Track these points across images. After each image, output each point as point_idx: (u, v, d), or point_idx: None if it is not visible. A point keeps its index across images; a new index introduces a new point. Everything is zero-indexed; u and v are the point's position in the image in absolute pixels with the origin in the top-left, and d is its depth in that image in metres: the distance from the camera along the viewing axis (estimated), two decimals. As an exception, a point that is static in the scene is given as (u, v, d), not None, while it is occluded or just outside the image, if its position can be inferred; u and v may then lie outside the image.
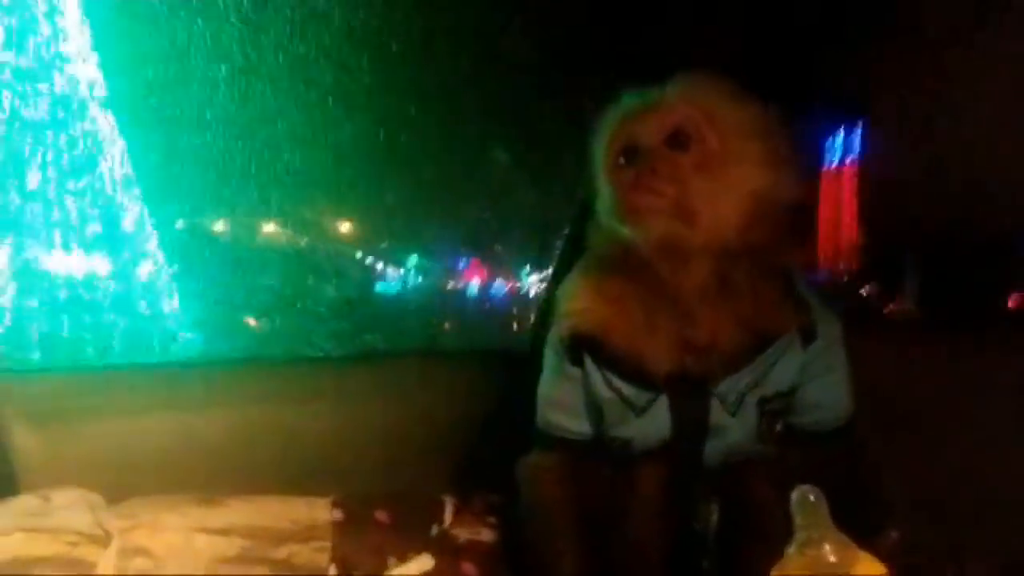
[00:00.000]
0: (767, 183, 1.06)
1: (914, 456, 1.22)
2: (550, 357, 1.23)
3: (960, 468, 1.20)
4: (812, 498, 0.75)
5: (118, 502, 1.25)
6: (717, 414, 1.09)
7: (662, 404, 1.10)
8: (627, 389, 1.11)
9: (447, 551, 1.32)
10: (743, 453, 1.11)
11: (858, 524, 0.78)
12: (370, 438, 1.54)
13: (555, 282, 1.71)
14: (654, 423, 1.11)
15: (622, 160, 1.10)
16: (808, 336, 1.10)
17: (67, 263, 1.60)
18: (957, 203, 1.21)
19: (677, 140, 1.06)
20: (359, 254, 2.12)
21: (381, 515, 1.36)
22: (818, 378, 1.12)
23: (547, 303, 1.66)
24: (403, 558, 1.28)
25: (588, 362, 1.14)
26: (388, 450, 1.53)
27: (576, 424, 1.19)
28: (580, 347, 1.15)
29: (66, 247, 1.60)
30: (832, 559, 0.72)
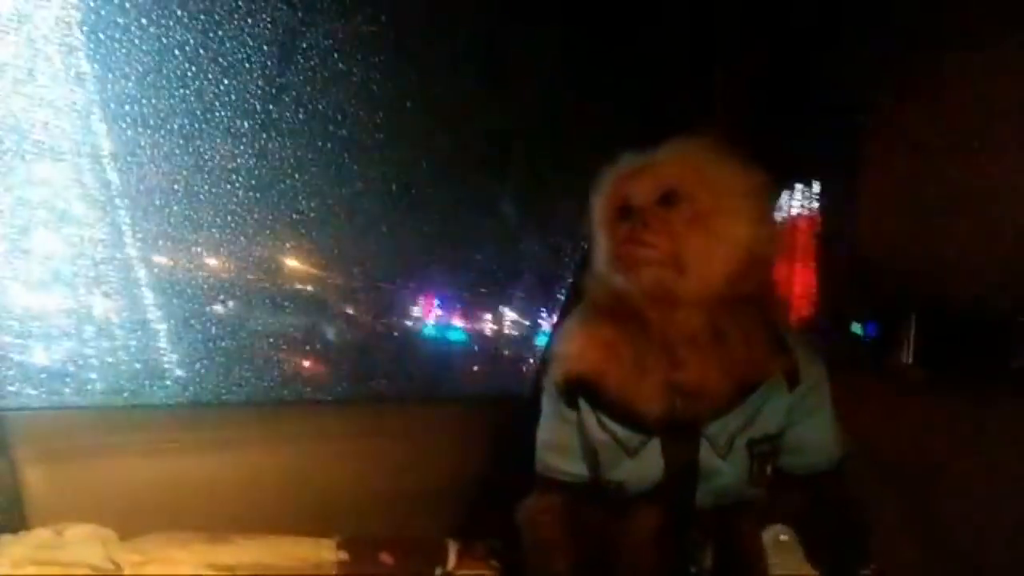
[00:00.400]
0: (753, 238, 1.12)
1: (905, 508, 1.24)
2: (547, 401, 1.27)
3: (950, 522, 1.22)
4: (784, 537, 0.78)
5: (127, 539, 1.27)
6: (707, 456, 1.12)
7: (654, 447, 1.14)
8: (620, 431, 1.15)
9: (450, 594, 1.34)
10: (734, 496, 1.14)
11: (842, 565, 0.80)
12: (375, 480, 1.56)
13: (556, 331, 1.75)
14: (646, 465, 1.14)
15: (617, 216, 1.16)
16: (793, 379, 1.14)
17: (81, 301, 1.66)
18: (955, 260, 1.24)
19: (669, 199, 1.12)
20: (368, 300, 2.18)
21: (385, 557, 1.38)
22: (805, 420, 1.17)
23: (549, 349, 1.70)
24: (406, 600, 1.30)
25: (583, 405, 1.19)
26: (392, 492, 1.55)
27: (573, 466, 1.23)
28: (575, 390, 1.19)
29: (77, 287, 1.67)
30: None
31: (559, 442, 1.24)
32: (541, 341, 2.04)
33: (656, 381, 1.11)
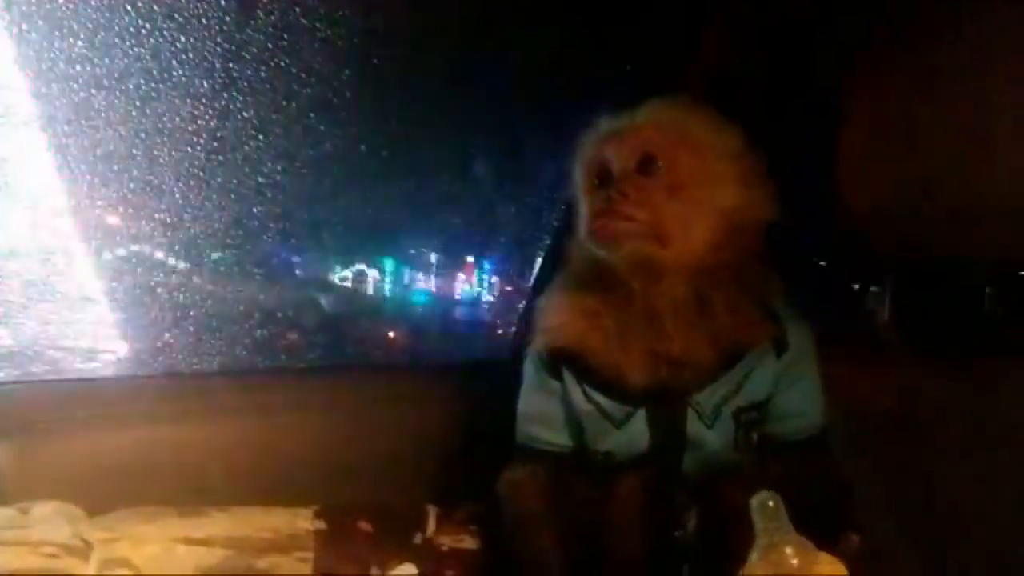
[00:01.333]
0: (740, 202, 1.09)
1: (886, 470, 1.24)
2: (529, 371, 1.25)
3: (931, 483, 1.22)
4: (771, 503, 0.78)
5: (96, 516, 1.24)
6: (694, 425, 1.11)
7: (640, 417, 1.12)
8: (605, 402, 1.14)
9: (430, 559, 1.33)
10: (720, 463, 1.12)
11: (826, 529, 0.80)
12: (352, 449, 1.54)
13: (535, 293, 1.73)
14: (633, 436, 1.13)
15: (596, 182, 1.14)
16: (781, 346, 1.13)
17: (43, 272, 1.60)
18: (935, 223, 1.22)
19: (647, 164, 1.09)
20: (341, 266, 2.13)
21: (364, 525, 1.37)
22: (791, 387, 1.15)
23: (528, 314, 1.68)
24: (386, 567, 1.29)
25: (567, 375, 1.17)
26: (371, 461, 1.54)
27: (556, 436, 1.21)
28: (558, 361, 1.17)
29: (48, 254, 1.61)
30: (794, 562, 0.75)
31: (542, 413, 1.22)
32: (520, 305, 2.01)
33: (641, 351, 1.09)
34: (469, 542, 1.39)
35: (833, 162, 1.25)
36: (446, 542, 1.39)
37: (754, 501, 0.78)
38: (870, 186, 1.25)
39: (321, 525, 1.33)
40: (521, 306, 1.96)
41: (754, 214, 1.11)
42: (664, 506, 1.11)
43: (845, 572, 0.76)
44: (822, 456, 1.17)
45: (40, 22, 1.51)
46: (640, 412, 1.12)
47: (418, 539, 1.39)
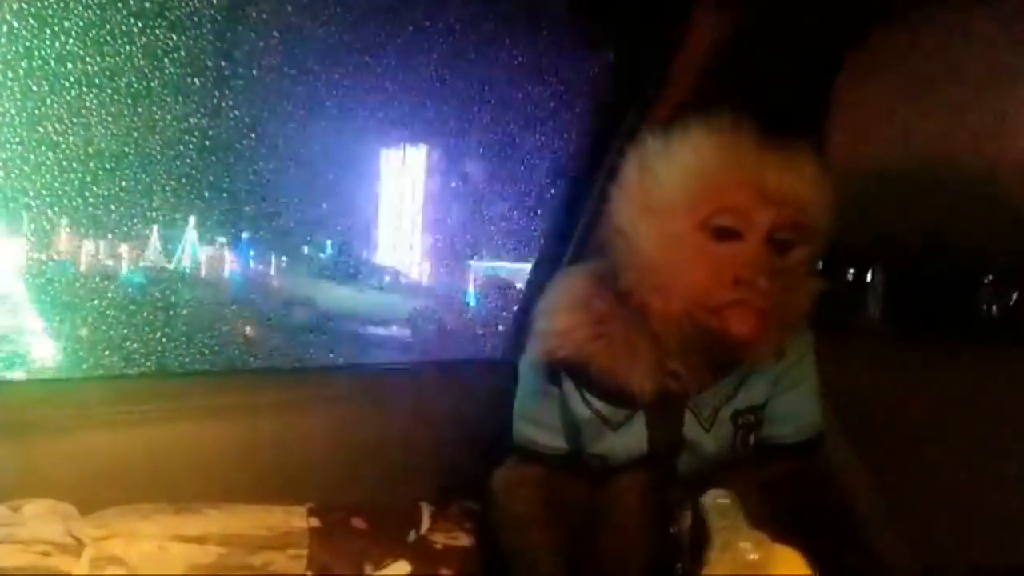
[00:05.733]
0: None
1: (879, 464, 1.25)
2: (527, 374, 1.22)
3: (926, 475, 1.23)
4: (725, 500, 0.77)
5: (88, 513, 1.24)
6: (692, 429, 1.10)
7: (639, 420, 1.11)
8: (604, 408, 1.12)
9: (424, 556, 1.33)
10: (716, 465, 1.12)
11: (825, 535, 0.80)
12: (346, 447, 1.54)
13: (530, 291, 1.73)
14: (631, 439, 1.12)
15: (714, 235, 0.95)
16: (779, 351, 1.11)
17: (34, 270, 1.60)
18: (927, 211, 1.22)
19: (788, 244, 0.95)
20: (331, 265, 2.13)
21: (358, 522, 1.36)
22: (789, 390, 1.14)
23: (524, 312, 1.68)
24: (380, 564, 1.29)
25: (566, 382, 1.15)
26: (365, 459, 1.53)
27: (553, 440, 1.20)
28: (558, 368, 1.14)
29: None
30: (752, 557, 0.73)
31: (539, 416, 1.20)
32: (515, 302, 2.01)
33: (646, 359, 1.05)
34: (463, 539, 1.39)
35: (825, 151, 1.24)
36: (440, 540, 1.38)
37: (707, 500, 0.78)
38: (861, 174, 1.25)
39: (315, 523, 1.32)
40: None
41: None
42: (659, 504, 1.10)
43: (803, 564, 0.75)
44: (820, 460, 1.17)
45: (33, 22, 1.50)
46: (638, 415, 1.10)
47: (412, 536, 1.38)
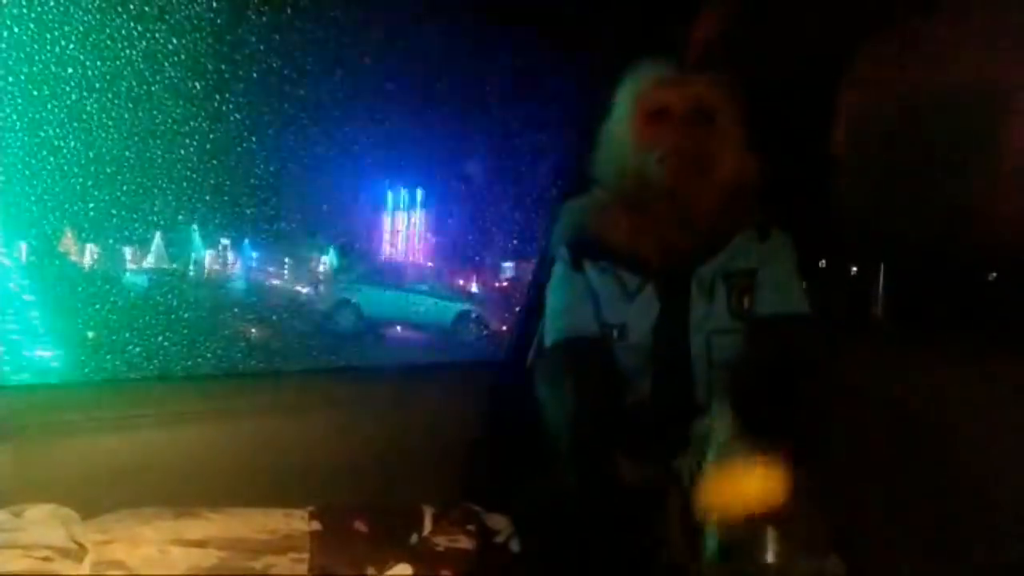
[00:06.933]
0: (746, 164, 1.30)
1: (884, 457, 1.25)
2: (557, 267, 1.42)
3: (926, 474, 1.23)
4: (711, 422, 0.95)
5: (90, 518, 1.24)
6: (696, 296, 1.29)
7: (650, 290, 1.31)
8: (622, 274, 1.33)
9: (426, 559, 1.32)
10: (726, 347, 1.27)
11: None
12: (348, 450, 1.54)
13: (533, 293, 1.73)
14: (644, 307, 1.31)
15: (649, 120, 1.30)
16: (764, 233, 1.34)
17: (36, 275, 1.60)
18: (929, 211, 1.23)
19: (704, 117, 1.28)
20: (336, 267, 2.13)
21: (359, 525, 1.36)
22: (774, 262, 1.33)
23: (527, 314, 1.68)
24: (382, 567, 1.29)
25: (588, 265, 1.36)
26: (366, 462, 1.53)
27: (585, 323, 1.35)
28: (581, 255, 1.37)
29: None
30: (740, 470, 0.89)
31: (570, 303, 1.37)
32: (517, 306, 2.01)
33: (658, 236, 1.30)
34: (465, 542, 1.38)
35: (831, 151, 1.26)
36: (442, 542, 1.38)
37: (698, 429, 0.94)
38: (868, 175, 1.26)
39: (317, 526, 1.32)
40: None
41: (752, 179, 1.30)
42: (678, 405, 1.24)
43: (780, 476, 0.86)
44: (803, 339, 1.29)
45: (34, 26, 1.50)
46: (650, 285, 1.31)
47: (414, 539, 1.38)
